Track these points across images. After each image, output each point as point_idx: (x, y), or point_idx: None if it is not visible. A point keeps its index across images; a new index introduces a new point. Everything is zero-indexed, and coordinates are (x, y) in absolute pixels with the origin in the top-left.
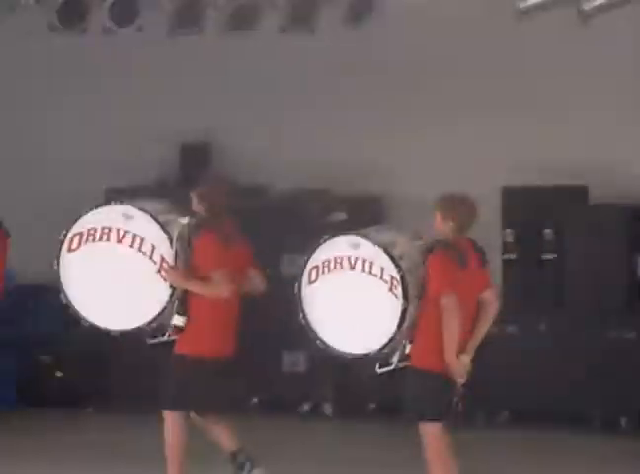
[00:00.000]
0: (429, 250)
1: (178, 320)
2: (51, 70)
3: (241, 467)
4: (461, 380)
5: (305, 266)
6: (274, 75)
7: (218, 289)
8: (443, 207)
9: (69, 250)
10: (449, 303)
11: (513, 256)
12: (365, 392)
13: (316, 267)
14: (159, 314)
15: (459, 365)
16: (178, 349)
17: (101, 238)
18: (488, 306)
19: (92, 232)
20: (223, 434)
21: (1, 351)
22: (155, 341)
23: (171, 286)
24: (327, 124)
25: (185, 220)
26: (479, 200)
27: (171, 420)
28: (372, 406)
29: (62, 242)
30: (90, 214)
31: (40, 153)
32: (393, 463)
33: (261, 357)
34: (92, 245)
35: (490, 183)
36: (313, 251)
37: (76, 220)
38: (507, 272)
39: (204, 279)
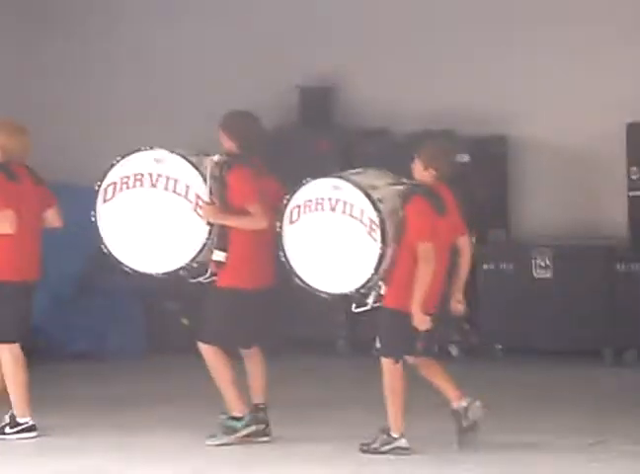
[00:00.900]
0: (408, 195)
1: (218, 255)
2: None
3: (253, 422)
4: (423, 327)
5: (287, 205)
6: (398, 16)
7: (257, 221)
8: (426, 156)
9: (104, 201)
10: (426, 252)
11: (639, 193)
12: None
13: (298, 207)
14: (199, 252)
15: (421, 316)
16: (220, 283)
17: (134, 185)
18: (463, 252)
19: (125, 180)
20: (258, 382)
21: (129, 299)
22: (198, 280)
23: (208, 223)
24: (451, 65)
25: (216, 157)
26: (605, 138)
27: (213, 354)
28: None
29: (96, 194)
30: (120, 163)
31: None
32: None
33: None
34: (126, 192)
35: (616, 120)
36: (295, 191)
37: (107, 171)
38: (633, 209)
39: (241, 213)
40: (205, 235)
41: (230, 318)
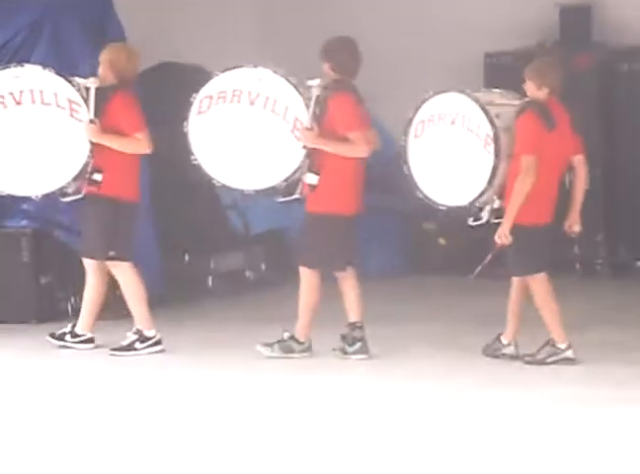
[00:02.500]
0: (521, 111)
1: (312, 179)
2: None
3: (352, 343)
4: (505, 241)
5: (411, 121)
6: None
7: (357, 149)
8: (537, 75)
9: (199, 113)
10: (527, 164)
11: None
12: None
13: (422, 121)
14: (293, 173)
15: (505, 230)
16: (315, 208)
17: (232, 100)
18: (579, 171)
19: (222, 95)
20: (353, 302)
21: (388, 219)
22: (288, 199)
23: (304, 146)
24: None
25: (315, 82)
26: None
27: (308, 278)
28: None
29: (192, 104)
30: (220, 77)
31: (421, 19)
32: None
33: None
34: (222, 107)
35: None
36: (419, 107)
37: (202, 84)
38: None
39: (341, 140)
40: (301, 158)
41: (330, 243)
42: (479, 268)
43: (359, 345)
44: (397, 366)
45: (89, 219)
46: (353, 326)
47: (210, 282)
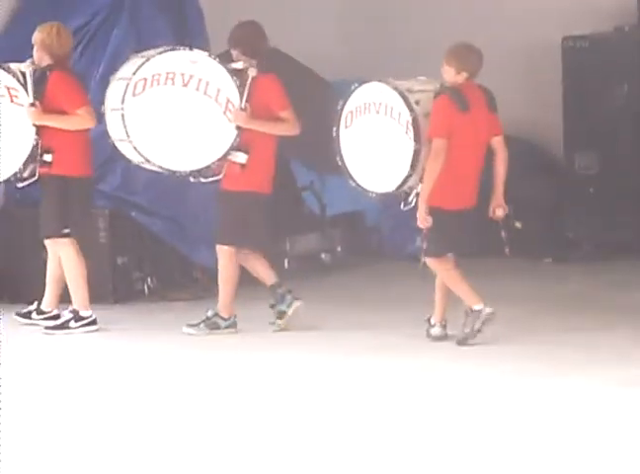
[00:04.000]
0: (435, 96)
1: (241, 158)
2: None
3: (281, 299)
4: (424, 224)
5: (341, 113)
6: None
7: (291, 128)
8: (456, 60)
9: (134, 94)
10: (436, 147)
11: None
12: None
13: (351, 112)
14: (225, 153)
15: (422, 213)
16: (234, 186)
17: (166, 82)
18: (498, 152)
19: (156, 77)
20: (265, 268)
21: None
22: (210, 180)
23: (237, 127)
24: None
25: (239, 65)
26: None
27: (225, 255)
28: None
29: (126, 87)
30: (154, 60)
31: (498, 3)
32: None
33: None
34: (157, 89)
35: None
36: (348, 97)
37: (140, 66)
38: None
39: (271, 119)
40: (233, 138)
41: (248, 220)
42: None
43: (288, 297)
44: (470, 350)
45: (43, 199)
46: (273, 287)
47: (286, 264)
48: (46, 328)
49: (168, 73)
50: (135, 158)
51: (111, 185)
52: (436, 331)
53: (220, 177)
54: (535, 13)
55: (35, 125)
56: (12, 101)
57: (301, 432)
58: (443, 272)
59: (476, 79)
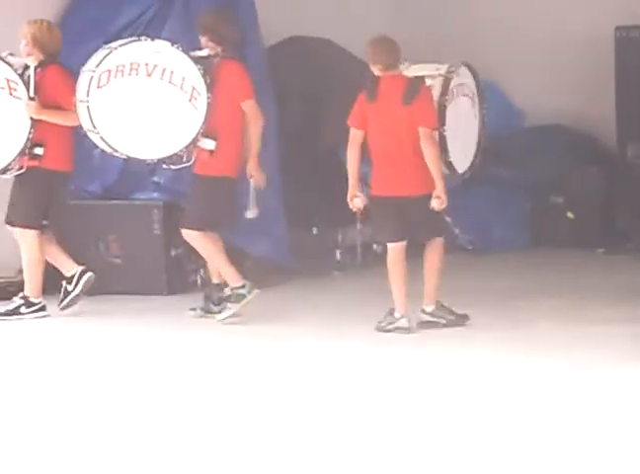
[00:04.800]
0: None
1: (210, 144)
2: None
3: (218, 302)
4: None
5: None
6: None
7: (258, 117)
8: (366, 55)
9: (98, 86)
10: (350, 134)
11: None
12: None
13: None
14: (193, 140)
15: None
16: (207, 171)
17: (130, 73)
18: (423, 142)
19: (121, 68)
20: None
21: (514, 191)
22: (180, 167)
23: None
24: None
25: (204, 52)
26: None
27: (202, 238)
28: None
29: (91, 79)
30: (117, 51)
31: None
32: None
33: None
34: (121, 80)
35: None
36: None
37: (104, 58)
38: None
39: (239, 108)
40: (199, 125)
41: (220, 205)
42: None
43: (226, 305)
44: (521, 340)
45: (26, 191)
46: (218, 287)
47: (338, 256)
48: None
49: (132, 64)
50: (106, 148)
51: (164, 177)
52: (402, 323)
53: (190, 163)
54: (588, 2)
55: (31, 119)
56: (10, 94)
57: (309, 421)
58: (390, 262)
59: (529, 69)
